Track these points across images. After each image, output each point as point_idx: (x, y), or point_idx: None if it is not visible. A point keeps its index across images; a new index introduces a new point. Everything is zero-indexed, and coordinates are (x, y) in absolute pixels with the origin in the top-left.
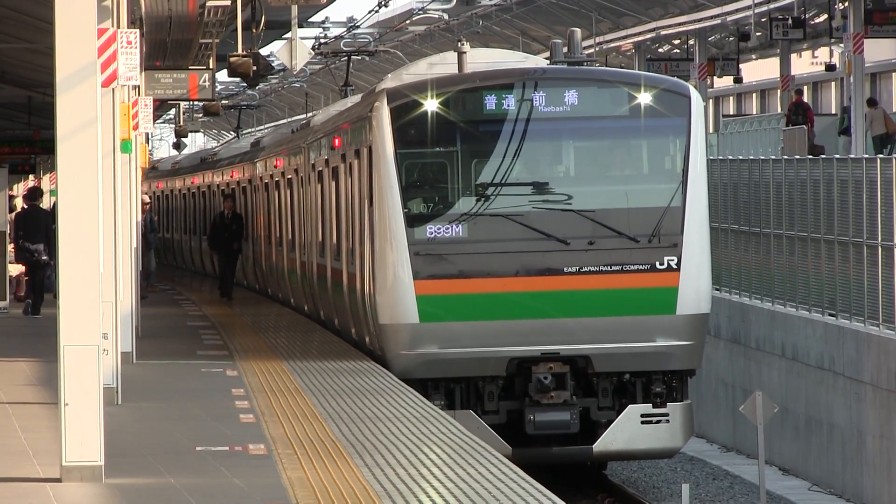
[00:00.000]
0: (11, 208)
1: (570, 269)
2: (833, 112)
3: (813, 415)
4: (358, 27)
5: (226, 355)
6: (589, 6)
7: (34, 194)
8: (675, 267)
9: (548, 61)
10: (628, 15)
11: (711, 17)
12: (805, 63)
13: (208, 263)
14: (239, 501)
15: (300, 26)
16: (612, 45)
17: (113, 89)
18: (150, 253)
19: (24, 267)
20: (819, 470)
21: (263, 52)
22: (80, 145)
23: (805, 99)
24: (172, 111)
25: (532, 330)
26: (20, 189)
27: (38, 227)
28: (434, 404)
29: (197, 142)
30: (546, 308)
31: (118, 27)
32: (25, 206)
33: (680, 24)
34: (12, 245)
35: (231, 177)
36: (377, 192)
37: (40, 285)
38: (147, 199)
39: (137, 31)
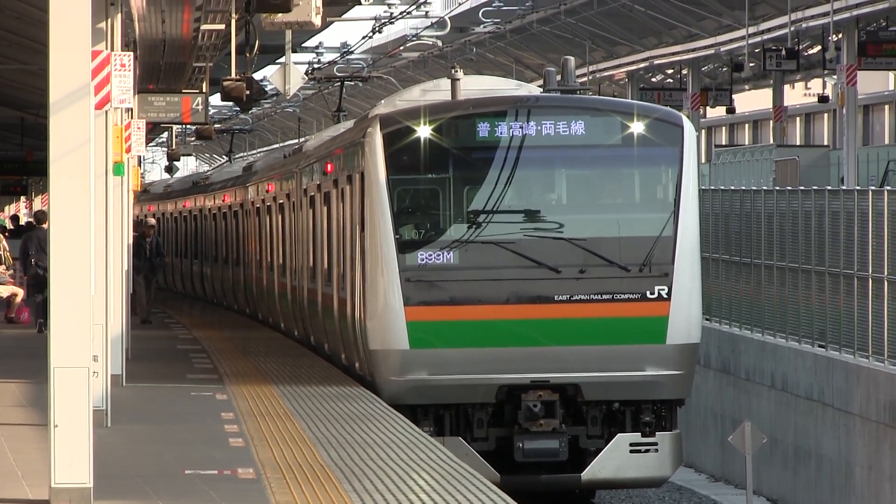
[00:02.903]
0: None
1: (560, 298)
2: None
3: (802, 445)
4: (352, 53)
5: (216, 379)
6: (583, 35)
7: (41, 217)
8: (665, 296)
9: (541, 89)
10: (622, 44)
11: (705, 48)
12: (798, 94)
13: (199, 287)
14: None
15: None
16: (606, 73)
17: (106, 112)
18: (154, 278)
19: (20, 290)
20: (807, 501)
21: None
22: (73, 167)
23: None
24: (165, 134)
25: (522, 357)
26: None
27: (47, 247)
28: (423, 430)
29: (189, 165)
30: (536, 336)
31: (112, 50)
32: (31, 227)
33: (673, 54)
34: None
35: (223, 201)
36: (369, 218)
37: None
38: (153, 222)
39: (131, 53)
